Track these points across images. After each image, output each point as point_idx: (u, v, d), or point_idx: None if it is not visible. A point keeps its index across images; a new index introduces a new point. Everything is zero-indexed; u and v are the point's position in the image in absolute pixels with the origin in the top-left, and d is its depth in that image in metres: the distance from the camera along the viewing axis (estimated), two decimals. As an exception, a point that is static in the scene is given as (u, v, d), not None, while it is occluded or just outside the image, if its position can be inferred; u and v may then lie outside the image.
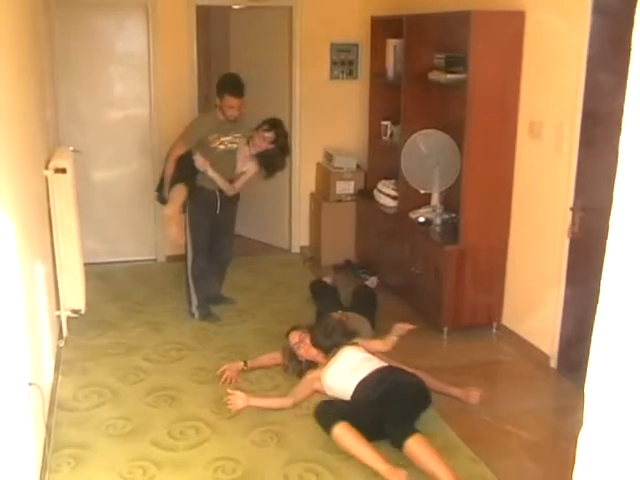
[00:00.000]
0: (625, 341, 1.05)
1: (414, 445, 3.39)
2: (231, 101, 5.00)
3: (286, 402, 4.00)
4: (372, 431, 3.56)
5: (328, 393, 4.01)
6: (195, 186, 5.11)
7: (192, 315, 5.27)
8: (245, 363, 4.40)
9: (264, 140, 5.14)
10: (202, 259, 5.24)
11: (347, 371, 3.97)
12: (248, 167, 5.29)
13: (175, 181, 5.09)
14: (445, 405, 4.08)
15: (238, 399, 3.89)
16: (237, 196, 5.39)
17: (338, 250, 6.41)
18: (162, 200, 5.25)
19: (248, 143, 5.21)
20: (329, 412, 3.69)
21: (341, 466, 3.51)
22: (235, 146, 5.21)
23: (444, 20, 5.06)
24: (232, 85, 5.05)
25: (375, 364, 3.98)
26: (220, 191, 5.18)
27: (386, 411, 3.62)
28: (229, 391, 3.95)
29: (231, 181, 5.25)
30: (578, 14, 4.06)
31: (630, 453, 1.07)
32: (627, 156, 1.03)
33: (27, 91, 3.96)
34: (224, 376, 4.27)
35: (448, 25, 5.00)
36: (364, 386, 3.84)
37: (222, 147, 5.13)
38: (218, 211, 5.21)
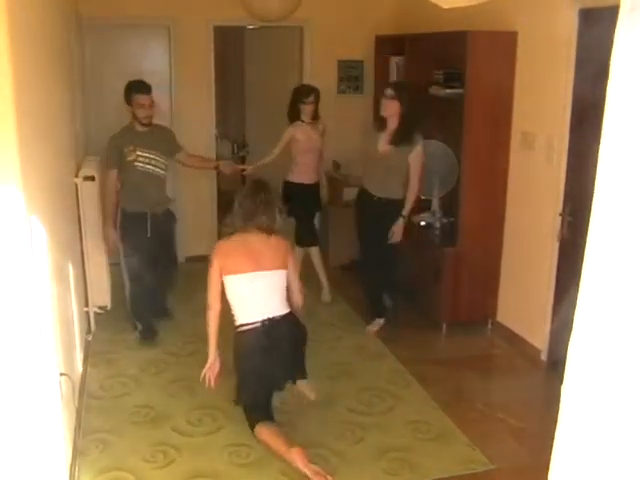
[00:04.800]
0: (600, 338, 1.07)
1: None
2: (140, 99, 4.59)
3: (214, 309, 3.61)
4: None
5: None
6: (122, 212, 4.67)
7: (136, 337, 4.81)
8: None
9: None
10: (139, 285, 4.75)
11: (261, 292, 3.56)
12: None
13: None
14: (443, 395, 4.10)
15: (210, 371, 3.64)
16: (172, 215, 4.97)
17: (345, 251, 6.41)
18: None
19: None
20: (252, 414, 3.61)
21: (349, 451, 3.54)
22: (162, 172, 4.76)
23: (443, 39, 5.07)
24: (138, 84, 4.66)
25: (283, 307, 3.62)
26: (153, 215, 4.68)
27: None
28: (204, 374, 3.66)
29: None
30: (565, 34, 4.07)
31: (601, 445, 1.09)
32: (605, 165, 1.05)
33: (60, 106, 4.00)
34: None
35: (446, 44, 5.01)
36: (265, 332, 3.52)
37: (140, 165, 4.63)
38: (149, 234, 4.66)
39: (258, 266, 3.55)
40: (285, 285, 3.66)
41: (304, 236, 5.60)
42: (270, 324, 3.53)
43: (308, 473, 3.28)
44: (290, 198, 5.43)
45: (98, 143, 6.06)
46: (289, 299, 3.71)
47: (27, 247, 2.30)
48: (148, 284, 4.74)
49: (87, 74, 6.05)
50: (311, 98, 5.36)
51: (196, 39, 6.25)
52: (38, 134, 2.90)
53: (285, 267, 3.64)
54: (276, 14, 5.32)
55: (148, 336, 4.80)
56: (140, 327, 4.82)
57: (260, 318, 3.52)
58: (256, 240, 3.59)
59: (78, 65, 5.59)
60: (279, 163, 5.41)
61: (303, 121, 5.40)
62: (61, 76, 4.18)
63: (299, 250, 5.60)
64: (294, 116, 5.42)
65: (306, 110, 5.37)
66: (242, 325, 3.58)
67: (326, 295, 5.66)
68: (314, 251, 5.66)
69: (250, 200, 3.62)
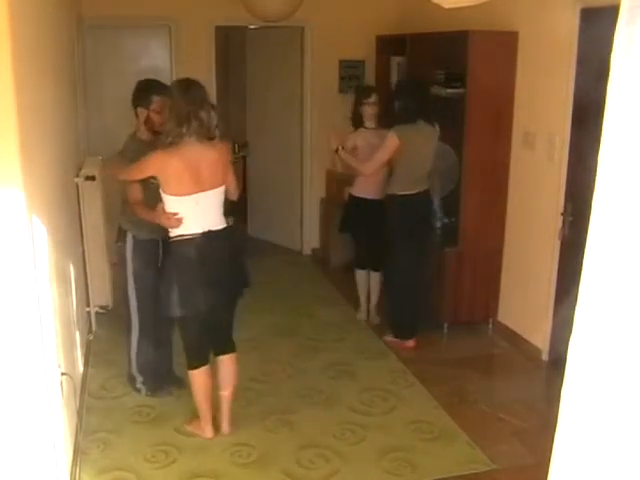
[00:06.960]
0: (600, 337, 1.07)
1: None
2: (160, 101, 3.69)
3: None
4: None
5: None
6: (133, 239, 3.92)
7: (138, 391, 4.09)
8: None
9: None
10: (149, 326, 4.01)
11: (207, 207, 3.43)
12: None
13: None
14: (444, 395, 4.10)
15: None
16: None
17: (346, 251, 6.41)
18: None
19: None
20: (194, 351, 3.60)
21: (351, 451, 3.54)
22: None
23: (444, 39, 5.06)
24: (156, 84, 3.83)
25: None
26: (163, 240, 3.73)
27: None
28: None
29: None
30: (566, 34, 4.07)
31: (601, 444, 1.09)
32: (605, 164, 1.05)
33: (61, 106, 4.01)
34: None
35: (448, 44, 5.01)
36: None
37: (155, 182, 3.50)
38: (160, 264, 3.86)
39: (200, 187, 3.36)
40: (223, 199, 3.52)
41: (366, 258, 5.12)
42: (209, 235, 3.41)
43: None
44: (352, 214, 5.07)
45: (98, 143, 6.09)
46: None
47: (28, 247, 2.31)
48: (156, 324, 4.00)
49: (87, 74, 6.05)
50: (372, 99, 4.88)
51: (197, 39, 6.25)
52: (39, 134, 2.90)
53: (225, 181, 3.49)
54: (277, 14, 5.33)
55: (156, 385, 4.12)
56: (142, 378, 4.11)
57: (200, 230, 3.40)
58: (196, 154, 3.33)
59: (78, 65, 5.60)
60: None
61: (366, 127, 4.93)
62: (62, 76, 4.18)
63: (361, 273, 5.19)
64: (358, 121, 4.95)
65: (367, 113, 4.88)
66: (180, 235, 3.41)
67: (375, 317, 5.21)
68: (374, 275, 5.15)
69: (183, 100, 3.32)
